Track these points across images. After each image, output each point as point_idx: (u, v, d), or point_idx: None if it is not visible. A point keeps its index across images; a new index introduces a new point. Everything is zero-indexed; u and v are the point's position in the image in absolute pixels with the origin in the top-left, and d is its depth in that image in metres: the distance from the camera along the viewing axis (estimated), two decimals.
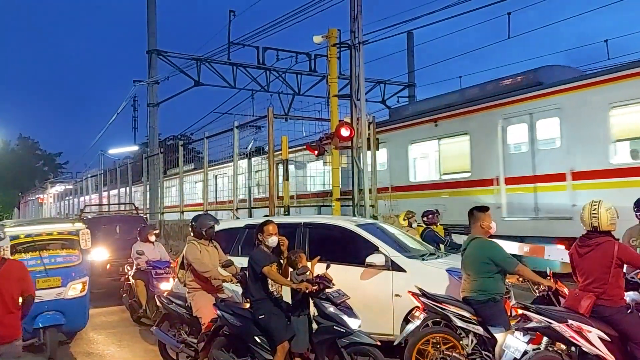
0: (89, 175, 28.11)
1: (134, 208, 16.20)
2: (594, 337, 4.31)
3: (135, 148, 34.55)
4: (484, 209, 5.57)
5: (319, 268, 5.56)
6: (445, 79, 20.92)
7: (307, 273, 5.37)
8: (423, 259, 6.64)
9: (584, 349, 4.35)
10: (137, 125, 38.93)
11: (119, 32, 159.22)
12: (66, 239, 7.53)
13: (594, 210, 4.51)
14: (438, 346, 5.38)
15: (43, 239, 7.32)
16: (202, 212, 6.97)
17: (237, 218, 11.53)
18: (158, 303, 6.95)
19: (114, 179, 22.66)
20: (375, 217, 10.59)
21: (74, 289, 7.17)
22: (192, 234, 6.22)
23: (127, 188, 20.84)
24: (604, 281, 4.37)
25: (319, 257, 5.70)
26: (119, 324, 9.18)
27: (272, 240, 5.42)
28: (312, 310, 5.42)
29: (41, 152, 64.87)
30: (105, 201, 23.26)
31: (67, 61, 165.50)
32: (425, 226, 9.21)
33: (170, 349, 6.44)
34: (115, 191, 22.89)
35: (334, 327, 5.16)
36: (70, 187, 33.80)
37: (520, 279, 5.55)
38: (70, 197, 32.45)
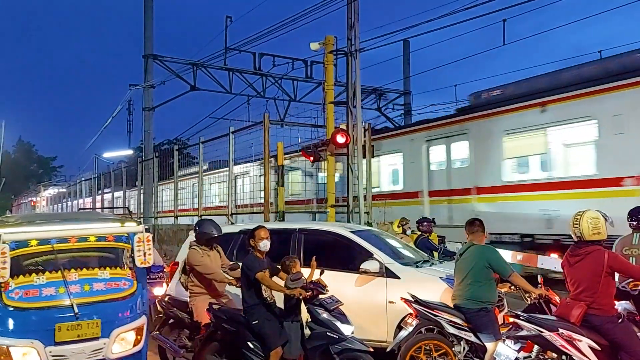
0: (83, 179, 28.02)
1: (127, 212, 16.17)
2: (585, 346, 4.34)
3: (129, 152, 34.50)
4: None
5: (314, 274, 5.59)
6: (440, 87, 21.11)
7: (302, 279, 5.39)
8: (417, 266, 6.68)
9: (574, 357, 4.39)
10: (132, 129, 38.92)
11: (116, 37, 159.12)
12: (110, 249, 4.71)
13: (575, 220, 4.56)
14: (430, 353, 5.42)
15: (71, 249, 4.50)
16: (207, 218, 6.71)
17: (232, 223, 11.53)
18: (159, 308, 6.90)
19: (108, 182, 22.61)
20: (369, 224, 10.63)
21: (123, 341, 4.40)
22: (194, 238, 6.25)
23: (122, 192, 20.81)
24: (594, 290, 4.41)
25: (315, 257, 5.71)
26: None
27: (264, 244, 5.44)
28: (305, 316, 5.44)
29: (37, 156, 64.76)
30: (99, 205, 23.18)
31: (63, 65, 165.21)
32: (419, 233, 9.25)
33: (169, 354, 6.42)
34: (109, 195, 22.83)
35: (327, 333, 5.18)
36: (64, 190, 33.68)
37: (512, 287, 5.63)
38: (64, 201, 32.32)
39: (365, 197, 11.20)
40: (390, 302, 6.18)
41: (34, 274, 4.31)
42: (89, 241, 4.59)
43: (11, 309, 4.17)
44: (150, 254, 4.64)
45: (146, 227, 4.77)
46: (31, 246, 4.37)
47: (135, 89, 19.01)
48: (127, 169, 21.47)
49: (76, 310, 4.18)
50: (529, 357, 4.66)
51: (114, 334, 4.34)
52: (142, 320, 4.61)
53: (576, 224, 4.54)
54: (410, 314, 5.64)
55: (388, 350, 5.74)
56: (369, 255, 6.50)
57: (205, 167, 14.63)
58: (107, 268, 4.58)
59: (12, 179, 57.54)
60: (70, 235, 4.52)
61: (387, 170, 15.08)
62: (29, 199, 46.22)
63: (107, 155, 31.76)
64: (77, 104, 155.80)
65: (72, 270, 4.38)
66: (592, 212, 4.59)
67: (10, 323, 4.15)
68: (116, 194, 22.22)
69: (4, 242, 4.22)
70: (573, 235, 4.60)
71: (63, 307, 4.23)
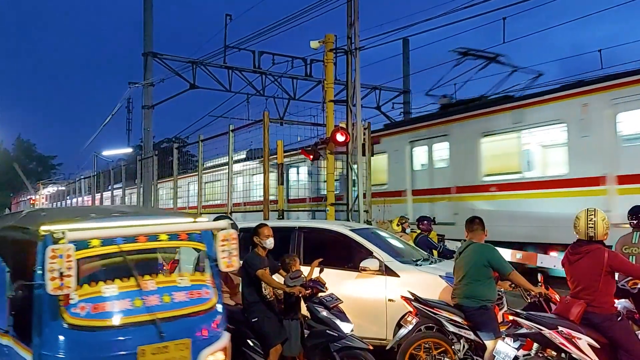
0: (82, 177, 28.02)
1: None
2: (584, 344, 4.35)
3: (129, 150, 34.52)
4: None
5: (314, 272, 5.60)
6: (440, 86, 21.07)
7: (301, 277, 5.40)
8: (417, 265, 6.70)
9: (573, 355, 4.40)
10: (132, 128, 38.96)
11: (115, 35, 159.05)
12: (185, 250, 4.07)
13: (590, 219, 4.50)
14: (430, 351, 5.43)
15: (141, 249, 3.68)
16: (223, 214, 6.65)
17: None
18: None
19: (107, 180, 22.61)
20: (369, 223, 10.63)
21: None
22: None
23: (121, 190, 20.82)
24: (594, 288, 4.41)
25: (320, 260, 5.71)
26: None
27: (269, 242, 5.45)
28: (305, 313, 5.45)
29: (36, 154, 64.76)
30: (97, 203, 23.17)
31: (62, 63, 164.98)
32: (418, 231, 9.26)
33: None
34: (108, 193, 22.84)
35: (327, 331, 5.19)
36: (63, 188, 33.67)
37: (512, 286, 5.64)
38: (63, 199, 32.31)
39: (365, 195, 11.22)
40: (389, 300, 6.19)
41: (101, 283, 3.38)
42: (160, 240, 3.71)
43: (77, 329, 3.22)
44: (236, 255, 3.83)
45: (232, 222, 4.08)
46: (92, 247, 3.41)
47: (134, 87, 18.98)
48: (126, 167, 21.48)
49: (160, 328, 3.33)
50: (529, 355, 4.67)
51: (203, 356, 3.54)
52: (227, 337, 3.87)
53: (591, 224, 4.48)
54: (410, 312, 5.66)
55: (388, 348, 5.75)
56: (368, 254, 6.52)
57: (242, 156, 14.40)
58: (186, 273, 3.77)
59: (12, 177, 57.55)
60: (140, 232, 3.60)
61: (536, 149, 11.09)
62: (28, 196, 46.14)
63: (107, 153, 31.77)
64: (76, 102, 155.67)
65: (147, 276, 3.51)
66: (601, 211, 4.57)
67: (78, 348, 3.22)
68: (116, 192, 22.25)
69: (69, 240, 3.20)
70: (582, 235, 4.54)
71: (143, 325, 3.34)
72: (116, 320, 3.35)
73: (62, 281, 3.04)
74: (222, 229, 3.87)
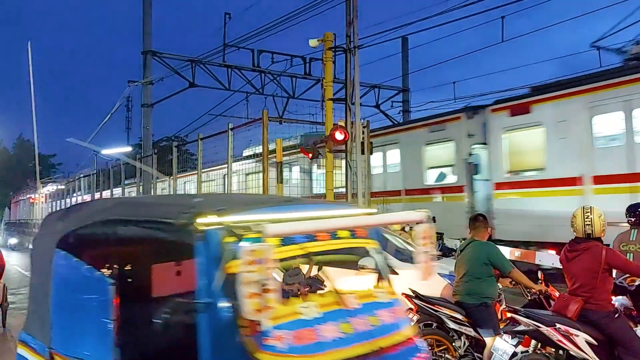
0: (82, 176, 28.01)
1: None
2: (581, 341, 4.37)
3: (128, 149, 34.51)
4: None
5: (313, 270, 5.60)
6: (439, 84, 21.12)
7: (300, 274, 5.40)
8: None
9: (571, 352, 4.42)
10: (131, 126, 38.98)
11: (114, 33, 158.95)
12: (362, 252, 3.10)
13: (586, 217, 4.52)
14: (430, 348, 5.44)
15: (326, 249, 2.93)
16: None
17: None
18: None
19: (106, 179, 22.61)
20: None
21: None
22: None
23: (121, 189, 20.83)
24: (591, 286, 4.43)
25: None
26: None
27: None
28: None
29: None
30: None
31: (62, 62, 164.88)
32: None
33: None
34: (107, 192, 22.84)
35: None
36: (62, 187, 33.66)
37: (512, 283, 5.66)
38: (63, 198, 32.32)
39: (363, 193, 11.23)
40: None
41: (294, 300, 2.53)
42: (340, 238, 2.80)
43: None
44: (433, 258, 2.83)
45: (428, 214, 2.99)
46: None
47: (134, 86, 18.98)
48: (125, 165, 21.48)
49: None
50: (527, 351, 4.69)
51: None
52: None
53: (587, 222, 4.50)
54: (411, 309, 5.67)
55: None
56: (367, 251, 6.52)
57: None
58: (382, 284, 2.77)
59: (12, 176, 57.56)
60: (320, 228, 2.67)
61: None
62: (27, 195, 46.14)
63: (106, 152, 31.74)
64: (76, 101, 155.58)
65: (347, 294, 2.60)
66: (597, 209, 4.58)
67: None
68: (115, 190, 22.25)
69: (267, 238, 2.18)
70: (580, 233, 4.56)
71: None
72: (330, 355, 2.34)
73: (262, 299, 2.06)
74: (420, 223, 2.80)
